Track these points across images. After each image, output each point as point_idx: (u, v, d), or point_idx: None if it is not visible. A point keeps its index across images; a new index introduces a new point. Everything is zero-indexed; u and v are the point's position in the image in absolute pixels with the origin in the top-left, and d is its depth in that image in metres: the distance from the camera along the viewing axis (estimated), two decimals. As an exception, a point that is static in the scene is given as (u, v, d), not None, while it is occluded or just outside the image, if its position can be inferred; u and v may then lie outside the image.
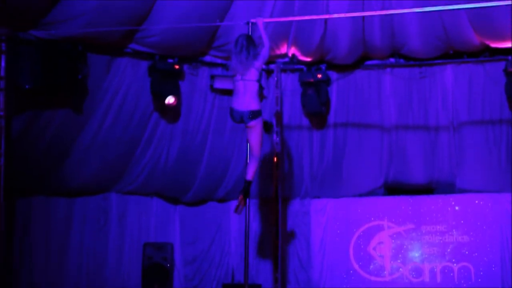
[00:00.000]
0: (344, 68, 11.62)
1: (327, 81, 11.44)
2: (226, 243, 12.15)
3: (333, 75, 11.60)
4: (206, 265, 11.99)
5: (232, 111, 7.94)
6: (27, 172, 10.37)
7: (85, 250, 11.19)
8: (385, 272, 11.83)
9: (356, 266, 11.94)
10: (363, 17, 10.72)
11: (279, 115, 11.56)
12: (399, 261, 11.85)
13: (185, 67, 11.09)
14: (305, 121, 11.85)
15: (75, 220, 11.16)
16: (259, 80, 7.92)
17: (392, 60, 11.54)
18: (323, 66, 11.50)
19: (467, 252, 11.63)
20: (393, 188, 12.06)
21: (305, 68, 11.50)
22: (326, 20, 10.71)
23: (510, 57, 10.85)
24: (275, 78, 11.55)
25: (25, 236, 10.73)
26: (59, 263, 11.00)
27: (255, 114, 7.90)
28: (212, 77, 11.24)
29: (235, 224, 12.17)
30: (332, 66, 11.55)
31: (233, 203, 12.15)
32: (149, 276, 10.88)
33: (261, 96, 11.36)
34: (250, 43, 7.89)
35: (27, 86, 9.55)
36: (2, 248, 9.68)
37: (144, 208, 11.67)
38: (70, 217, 11.13)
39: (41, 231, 10.87)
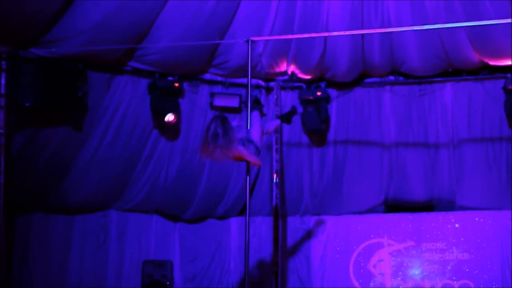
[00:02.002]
0: (344, 86, 11.65)
1: (326, 99, 11.47)
2: (226, 260, 12.11)
3: (332, 92, 11.63)
4: (206, 282, 11.95)
5: None
6: (27, 189, 10.38)
7: (85, 267, 11.16)
8: (385, 290, 11.83)
9: (356, 284, 11.90)
10: (363, 35, 10.78)
11: (278, 133, 11.58)
12: (399, 278, 11.82)
13: (185, 85, 11.12)
14: (304, 139, 11.87)
15: (74, 238, 11.14)
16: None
17: (391, 78, 11.58)
18: (322, 84, 11.53)
19: (467, 270, 11.60)
20: (393, 206, 12.05)
21: (304, 86, 11.53)
22: (325, 38, 10.77)
23: (509, 75, 10.89)
24: (275, 96, 11.58)
25: (25, 253, 10.71)
26: (58, 280, 10.98)
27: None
28: (212, 94, 11.26)
29: (235, 241, 12.15)
30: (332, 83, 11.58)
31: (233, 220, 12.19)
32: (149, 294, 10.85)
33: (261, 113, 11.40)
34: (226, 128, 7.36)
35: (27, 104, 9.59)
36: (1, 265, 9.67)
37: (144, 226, 11.64)
38: (69, 235, 11.11)
39: (40, 248, 10.86)
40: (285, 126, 11.71)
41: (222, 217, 12.19)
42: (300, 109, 11.47)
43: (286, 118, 9.27)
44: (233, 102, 11.29)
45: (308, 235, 12.17)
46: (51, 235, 10.97)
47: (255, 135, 7.92)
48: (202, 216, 12.06)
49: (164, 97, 10.75)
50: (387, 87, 11.67)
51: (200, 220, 12.08)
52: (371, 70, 11.43)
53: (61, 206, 10.91)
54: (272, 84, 11.62)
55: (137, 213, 11.57)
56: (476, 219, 11.68)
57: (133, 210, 11.52)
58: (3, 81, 9.54)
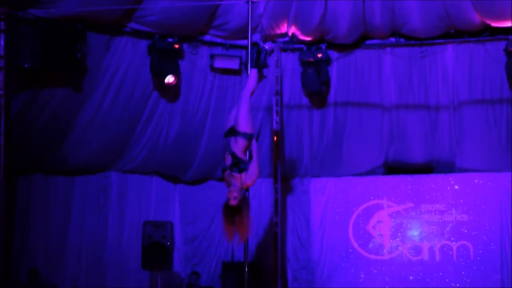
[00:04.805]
0: (344, 48, 11.57)
1: (327, 61, 11.41)
2: (226, 221, 12.16)
3: (333, 54, 11.56)
4: (206, 244, 12.02)
5: None
6: (27, 150, 10.40)
7: (85, 228, 11.23)
8: (384, 251, 11.89)
9: (355, 245, 11.98)
10: (364, -4, 10.69)
11: (279, 94, 11.55)
12: (398, 239, 11.89)
13: (185, 46, 11.05)
14: (305, 101, 11.83)
15: (75, 199, 11.21)
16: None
17: (392, 39, 11.49)
18: (323, 46, 11.46)
19: (466, 231, 11.67)
20: (393, 167, 12.08)
21: (305, 48, 11.46)
22: (326, -2, 10.69)
23: (510, 37, 10.81)
24: (275, 58, 11.51)
25: (26, 214, 10.78)
26: (59, 241, 11.06)
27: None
28: (212, 56, 11.20)
29: (235, 203, 12.17)
30: (332, 45, 11.50)
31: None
32: (149, 255, 10.83)
33: (261, 75, 11.35)
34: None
35: (26, 65, 9.57)
36: (2, 226, 9.72)
37: (144, 187, 11.69)
38: (70, 196, 11.18)
39: (41, 209, 10.93)
40: (285, 88, 11.66)
41: (222, 179, 12.13)
42: (299, 69, 11.48)
43: (257, 62, 7.90)
44: (233, 64, 11.24)
45: (308, 196, 12.22)
46: (52, 196, 11.04)
47: (243, 120, 7.24)
48: (202, 178, 12.09)
49: (163, 58, 10.70)
50: (388, 49, 11.58)
51: (200, 181, 12.11)
52: (372, 32, 11.34)
53: (61, 167, 10.95)
54: (272, 45, 11.53)
55: (137, 175, 11.62)
56: (476, 181, 11.72)
57: (133, 172, 11.56)
58: (2, 43, 9.50)
